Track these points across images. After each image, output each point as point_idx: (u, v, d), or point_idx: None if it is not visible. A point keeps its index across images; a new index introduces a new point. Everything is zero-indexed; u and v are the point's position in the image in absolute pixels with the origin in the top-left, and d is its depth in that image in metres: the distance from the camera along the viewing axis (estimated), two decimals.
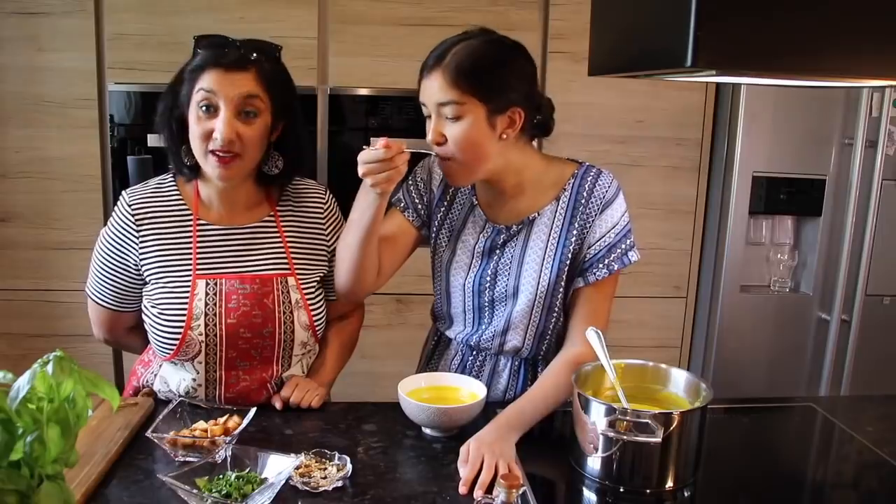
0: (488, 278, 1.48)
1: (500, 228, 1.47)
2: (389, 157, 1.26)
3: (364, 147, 1.29)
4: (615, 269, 1.41)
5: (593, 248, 1.41)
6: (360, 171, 1.29)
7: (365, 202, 1.34)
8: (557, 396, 1.39)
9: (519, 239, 1.46)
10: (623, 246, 1.42)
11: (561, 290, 1.44)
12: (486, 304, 1.50)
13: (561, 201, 1.43)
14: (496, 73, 1.32)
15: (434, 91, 1.31)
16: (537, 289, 1.44)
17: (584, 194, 1.42)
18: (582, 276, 1.43)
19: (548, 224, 1.44)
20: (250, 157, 1.38)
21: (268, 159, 1.45)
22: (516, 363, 1.54)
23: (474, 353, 1.56)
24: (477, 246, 1.49)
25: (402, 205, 1.53)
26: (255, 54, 1.36)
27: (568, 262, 1.42)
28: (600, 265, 1.41)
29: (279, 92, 1.39)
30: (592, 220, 1.41)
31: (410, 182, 1.54)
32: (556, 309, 1.46)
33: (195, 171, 1.44)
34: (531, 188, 1.45)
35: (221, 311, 1.42)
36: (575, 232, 1.41)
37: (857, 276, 2.61)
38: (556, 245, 1.43)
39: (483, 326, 1.52)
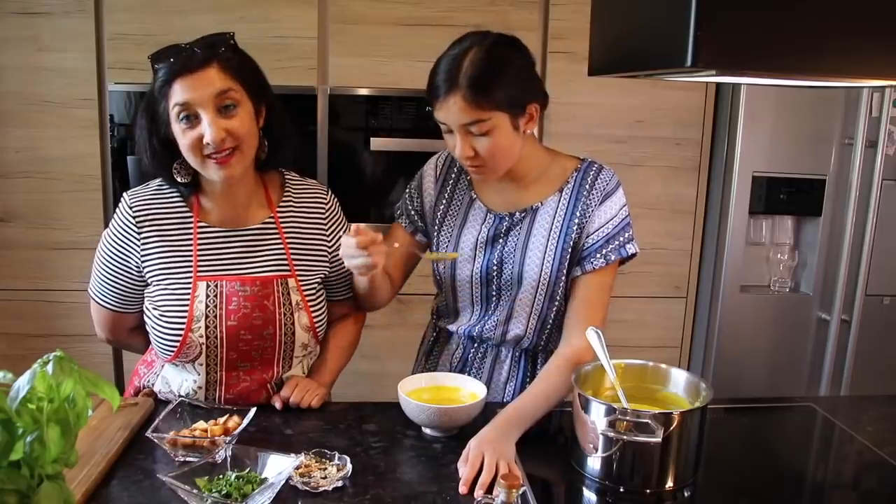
0: (494, 267, 1.50)
1: (502, 216, 1.50)
2: (363, 245, 1.26)
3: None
4: (612, 259, 1.44)
5: (591, 237, 1.44)
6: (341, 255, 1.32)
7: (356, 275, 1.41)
8: (557, 394, 1.39)
9: (523, 227, 1.48)
10: (621, 238, 1.45)
11: (563, 278, 1.47)
12: (494, 293, 1.52)
13: (564, 193, 1.47)
14: (510, 80, 1.33)
15: (455, 113, 1.33)
16: (540, 276, 1.46)
17: (587, 187, 1.45)
18: (580, 264, 1.46)
19: (551, 214, 1.47)
20: (247, 147, 1.37)
21: (262, 146, 1.45)
22: (517, 354, 1.56)
23: (476, 344, 1.58)
24: (480, 237, 1.51)
25: (398, 212, 1.61)
26: (211, 49, 1.34)
27: (570, 251, 1.45)
28: (598, 255, 1.44)
29: (248, 76, 1.38)
30: (592, 211, 1.44)
31: (406, 191, 1.60)
32: (558, 298, 1.49)
33: (191, 187, 1.44)
34: (536, 179, 1.49)
35: (222, 314, 1.42)
36: (576, 221, 1.45)
37: (857, 276, 2.60)
38: (558, 234, 1.45)
39: (488, 316, 1.54)
